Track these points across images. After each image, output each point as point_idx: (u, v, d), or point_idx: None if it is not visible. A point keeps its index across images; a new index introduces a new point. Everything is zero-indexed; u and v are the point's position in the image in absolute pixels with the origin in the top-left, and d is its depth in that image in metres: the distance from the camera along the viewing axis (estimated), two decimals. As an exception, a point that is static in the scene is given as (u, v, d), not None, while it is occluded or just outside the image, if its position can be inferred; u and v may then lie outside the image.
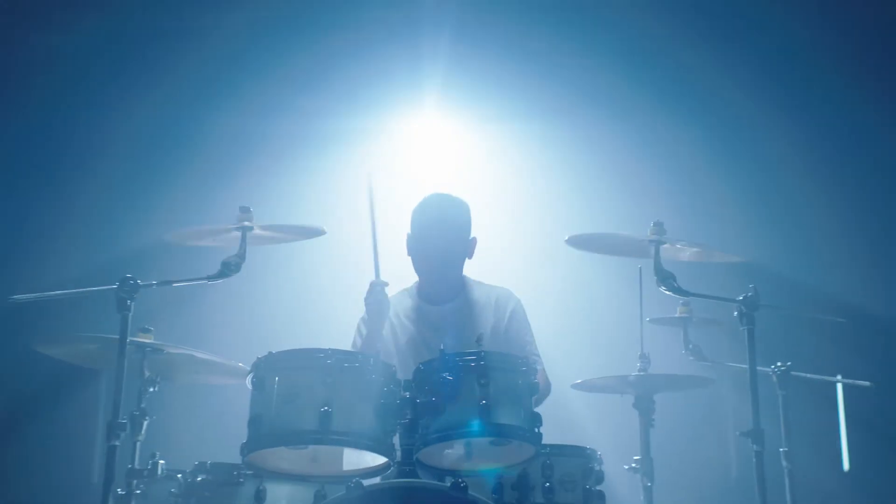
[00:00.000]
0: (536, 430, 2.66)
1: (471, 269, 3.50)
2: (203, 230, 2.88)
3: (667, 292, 2.85)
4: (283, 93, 4.35)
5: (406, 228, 3.38)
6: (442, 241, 3.36)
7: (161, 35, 4.47)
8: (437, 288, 3.50)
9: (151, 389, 2.94)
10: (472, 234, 3.51)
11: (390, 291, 3.35)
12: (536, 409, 2.70)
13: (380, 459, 2.65)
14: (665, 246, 2.85)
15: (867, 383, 3.49)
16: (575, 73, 4.70)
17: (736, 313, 2.91)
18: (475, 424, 2.58)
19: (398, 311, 3.52)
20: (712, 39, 4.58)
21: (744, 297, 2.86)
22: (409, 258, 3.44)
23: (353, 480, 2.51)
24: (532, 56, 4.97)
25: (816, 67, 4.57)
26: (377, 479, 2.72)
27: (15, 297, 2.72)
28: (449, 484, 2.53)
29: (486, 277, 3.53)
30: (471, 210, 3.48)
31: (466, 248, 3.45)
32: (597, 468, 3.03)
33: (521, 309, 3.52)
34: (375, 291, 3.25)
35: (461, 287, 3.53)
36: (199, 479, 2.92)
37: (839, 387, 4.00)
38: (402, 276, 3.42)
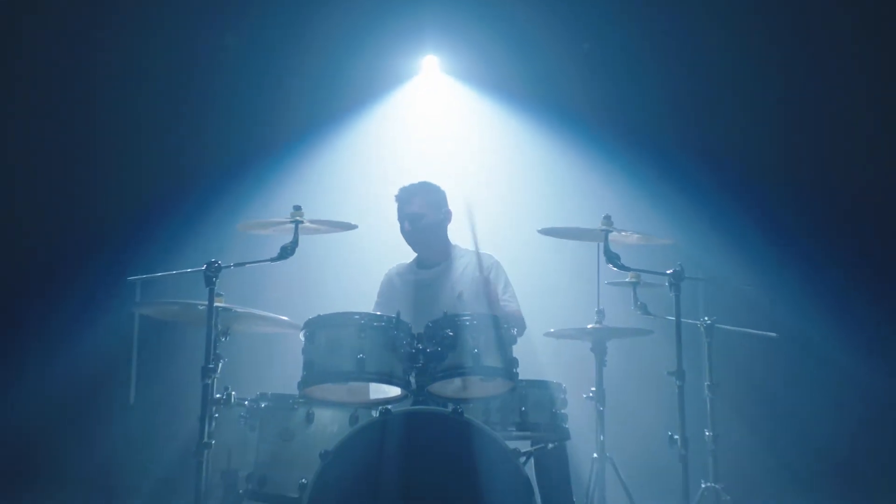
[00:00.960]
0: (514, 370, 3.57)
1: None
2: (265, 223, 3.70)
3: (613, 269, 3.74)
4: (311, 90, 5.29)
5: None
6: (411, 222, 4.32)
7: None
8: (426, 255, 4.46)
9: (224, 339, 3.79)
10: (448, 209, 4.41)
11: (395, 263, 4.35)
12: (515, 355, 3.62)
13: (399, 391, 3.57)
14: (613, 234, 3.73)
15: (773, 334, 4.44)
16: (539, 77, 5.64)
17: (667, 283, 3.82)
18: (469, 366, 3.47)
19: (400, 275, 4.49)
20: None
21: (672, 272, 3.72)
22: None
23: (383, 407, 3.43)
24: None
25: (736, 69, 5.49)
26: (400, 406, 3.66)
27: (130, 277, 3.59)
28: (450, 409, 3.41)
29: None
30: (441, 190, 4.40)
31: (442, 220, 4.38)
32: (561, 397, 3.93)
33: (499, 267, 4.40)
34: None
35: (448, 254, 4.46)
36: (262, 405, 3.77)
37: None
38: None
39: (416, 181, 4.43)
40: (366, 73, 5.82)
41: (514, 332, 3.65)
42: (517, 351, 3.62)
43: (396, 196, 4.40)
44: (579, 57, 5.73)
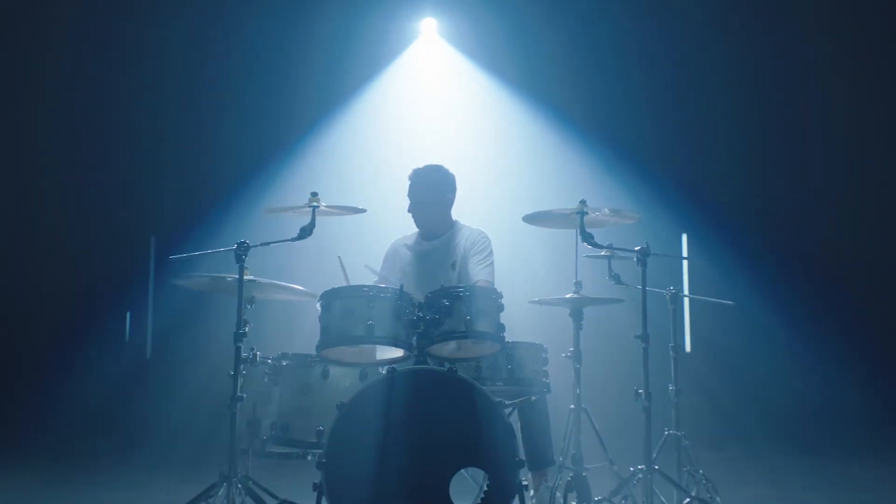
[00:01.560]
0: (501, 334, 4.11)
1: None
2: (286, 207, 4.22)
3: (588, 246, 4.29)
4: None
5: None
6: (419, 202, 4.84)
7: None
8: (427, 228, 4.96)
9: (250, 306, 4.34)
10: (453, 193, 4.92)
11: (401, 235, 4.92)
12: (502, 321, 4.16)
13: (402, 352, 4.13)
14: (588, 216, 4.28)
15: (730, 302, 5.02)
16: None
17: (635, 258, 4.37)
18: (462, 331, 4.01)
19: (404, 246, 5.01)
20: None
21: (639, 249, 4.28)
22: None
23: (389, 366, 4.01)
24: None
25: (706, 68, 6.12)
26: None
27: (171, 256, 4.14)
28: (446, 368, 3.97)
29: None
30: (450, 175, 4.91)
31: (444, 202, 4.90)
32: (543, 356, 4.49)
33: (483, 240, 4.86)
34: None
35: (448, 228, 4.99)
36: (283, 363, 4.26)
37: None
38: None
39: (428, 164, 4.92)
40: (369, 39, 6.39)
41: (503, 301, 4.21)
42: (505, 317, 4.15)
43: (409, 176, 4.89)
44: (569, 40, 6.29)
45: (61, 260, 8.56)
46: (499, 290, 4.20)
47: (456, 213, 4.96)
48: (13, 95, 7.48)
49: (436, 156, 5.15)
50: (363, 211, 4.26)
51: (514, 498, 3.77)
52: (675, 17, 6.18)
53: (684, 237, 7.63)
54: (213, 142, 6.04)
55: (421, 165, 4.94)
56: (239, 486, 3.96)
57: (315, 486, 3.78)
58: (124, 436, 8.45)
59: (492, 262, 4.84)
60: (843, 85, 6.72)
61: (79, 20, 6.21)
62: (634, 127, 6.04)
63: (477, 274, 4.74)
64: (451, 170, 4.97)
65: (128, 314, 9.29)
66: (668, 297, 4.87)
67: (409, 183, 4.89)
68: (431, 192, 4.85)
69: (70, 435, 8.48)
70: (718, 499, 4.56)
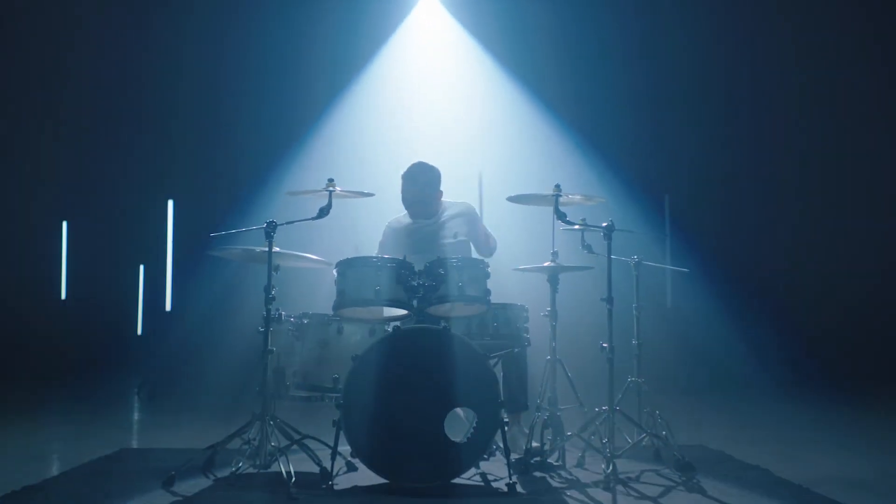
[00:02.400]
0: (488, 297, 4.91)
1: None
2: (307, 191, 4.95)
3: (561, 224, 5.05)
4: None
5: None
6: (415, 201, 5.68)
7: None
8: (422, 215, 5.72)
9: (275, 273, 5.10)
10: (440, 186, 5.73)
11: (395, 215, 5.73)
12: (488, 286, 4.93)
13: (405, 312, 4.94)
14: (562, 198, 5.04)
15: (686, 269, 5.83)
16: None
17: (602, 234, 5.14)
18: (455, 295, 4.80)
19: (399, 224, 5.78)
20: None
21: (605, 225, 5.05)
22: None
23: (394, 324, 4.80)
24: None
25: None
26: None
27: (212, 234, 4.92)
28: (441, 326, 4.74)
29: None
30: (436, 171, 5.70)
31: (436, 194, 5.69)
32: (524, 315, 5.27)
33: (474, 212, 5.73)
34: None
35: (437, 209, 5.76)
36: (304, 321, 5.02)
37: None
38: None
39: (416, 163, 5.72)
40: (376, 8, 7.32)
41: (489, 269, 4.99)
42: (491, 283, 4.93)
43: (402, 175, 5.69)
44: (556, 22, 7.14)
45: (91, 211, 9.59)
46: (486, 261, 4.98)
47: (450, 195, 5.76)
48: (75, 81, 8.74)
49: (432, 140, 5.95)
50: (371, 195, 5.02)
51: (496, 432, 4.59)
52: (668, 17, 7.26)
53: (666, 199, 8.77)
54: (224, 123, 7.16)
55: (410, 165, 5.73)
56: (271, 423, 4.77)
57: (334, 423, 4.59)
58: (145, 383, 9.31)
59: (486, 228, 5.78)
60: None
61: (112, 17, 7.21)
62: (609, 116, 7.06)
63: (489, 243, 5.74)
64: (447, 155, 5.80)
65: (141, 266, 10.16)
66: (632, 264, 5.66)
67: (401, 183, 5.66)
68: (424, 190, 5.65)
69: (88, 380, 9.40)
70: (670, 435, 5.39)
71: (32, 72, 9.37)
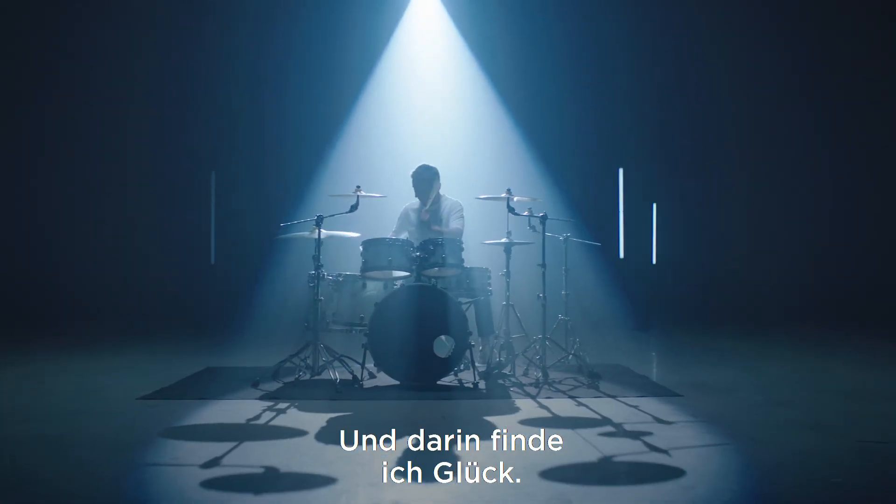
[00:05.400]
0: (463, 263, 7.45)
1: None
2: (342, 194, 7.38)
3: (511, 214, 7.55)
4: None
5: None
6: (421, 192, 8.13)
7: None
8: (424, 199, 8.24)
9: (320, 247, 7.61)
10: (439, 178, 8.25)
11: (408, 202, 8.26)
12: (463, 256, 7.48)
13: (408, 274, 7.45)
14: (514, 198, 7.52)
15: (598, 244, 8.44)
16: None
17: (539, 220, 7.64)
18: (440, 263, 7.34)
19: (411, 209, 8.29)
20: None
21: (541, 215, 7.54)
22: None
23: (401, 282, 7.35)
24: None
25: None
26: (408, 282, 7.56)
27: (282, 224, 7.47)
28: (432, 283, 7.31)
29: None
30: (436, 171, 8.21)
31: (436, 188, 8.15)
32: (488, 275, 7.80)
33: (458, 205, 8.20)
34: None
35: (439, 199, 8.28)
36: (340, 279, 7.55)
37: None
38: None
39: (422, 165, 8.20)
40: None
41: (463, 245, 7.51)
42: (465, 253, 7.44)
43: (411, 174, 8.15)
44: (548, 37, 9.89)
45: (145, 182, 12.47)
46: (461, 240, 7.51)
47: (443, 190, 8.34)
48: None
49: (432, 147, 8.65)
50: (384, 197, 7.52)
51: (466, 351, 7.15)
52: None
53: (620, 171, 11.56)
54: (275, 136, 10.17)
55: (416, 166, 8.21)
56: (321, 346, 7.32)
57: (363, 346, 7.14)
58: (192, 323, 11.88)
59: (462, 217, 8.19)
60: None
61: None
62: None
63: (454, 223, 8.08)
64: (440, 157, 8.39)
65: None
66: (562, 240, 8.21)
67: (412, 179, 8.16)
68: (428, 185, 8.12)
69: (141, 318, 11.94)
70: (587, 357, 7.96)
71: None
